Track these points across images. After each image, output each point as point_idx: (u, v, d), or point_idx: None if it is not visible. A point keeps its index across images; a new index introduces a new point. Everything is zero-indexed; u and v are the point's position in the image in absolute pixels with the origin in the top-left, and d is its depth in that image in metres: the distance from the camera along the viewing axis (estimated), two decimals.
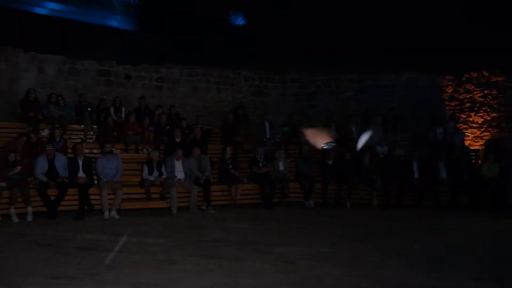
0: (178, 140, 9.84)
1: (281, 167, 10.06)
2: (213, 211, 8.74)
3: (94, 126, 10.55)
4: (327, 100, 13.80)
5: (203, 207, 8.89)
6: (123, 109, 11.11)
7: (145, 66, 12.73)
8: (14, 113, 10.74)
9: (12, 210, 7.44)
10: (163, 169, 8.93)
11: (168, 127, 10.67)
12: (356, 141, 10.65)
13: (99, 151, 9.54)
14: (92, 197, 8.24)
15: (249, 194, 9.82)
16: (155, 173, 8.84)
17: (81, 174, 8.23)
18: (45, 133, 9.70)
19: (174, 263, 4.92)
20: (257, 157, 10.06)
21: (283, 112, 13.00)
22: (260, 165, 9.96)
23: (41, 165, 7.97)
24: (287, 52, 13.42)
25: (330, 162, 10.14)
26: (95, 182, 8.50)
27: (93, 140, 10.35)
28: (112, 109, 10.94)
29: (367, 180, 9.77)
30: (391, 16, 13.02)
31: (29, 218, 7.52)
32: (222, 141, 11.28)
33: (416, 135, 12.08)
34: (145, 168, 8.78)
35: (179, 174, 8.95)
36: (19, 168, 7.86)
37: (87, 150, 9.19)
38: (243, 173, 9.94)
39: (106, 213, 7.91)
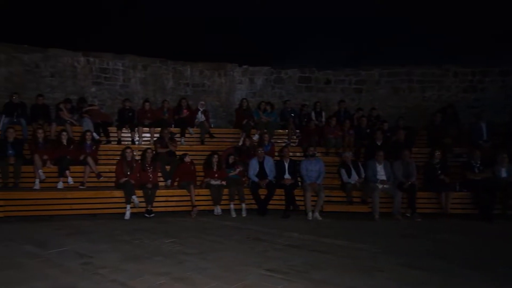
0: (379, 143, 9.48)
1: (504, 174, 8.57)
2: (419, 219, 8.04)
3: (297, 131, 11.11)
4: None
5: (407, 214, 8.29)
6: (323, 114, 11.40)
7: (344, 70, 12.79)
8: (231, 121, 12.24)
9: (232, 206, 8.43)
10: (361, 171, 8.77)
11: (368, 130, 10.41)
12: None
13: (302, 154, 9.98)
14: (296, 198, 8.64)
15: (462, 203, 8.68)
16: (354, 175, 8.72)
17: (287, 175, 8.75)
18: (255, 137, 10.69)
19: (382, 271, 4.66)
20: (472, 161, 8.84)
21: (504, 110, 11.10)
22: (476, 170, 8.71)
23: (254, 166, 8.81)
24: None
25: None
26: (299, 183, 8.89)
27: (296, 143, 10.90)
28: (313, 114, 11.34)
29: None
30: None
31: (244, 213, 8.39)
32: (428, 143, 10.35)
33: None
34: (343, 172, 8.76)
35: (381, 178, 8.58)
36: (240, 169, 8.89)
37: (291, 154, 9.70)
38: (453, 179, 8.87)
39: (310, 214, 8.17)
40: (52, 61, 11.32)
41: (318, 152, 9.86)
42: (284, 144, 10.41)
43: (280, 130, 11.27)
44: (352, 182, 8.65)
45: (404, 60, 12.61)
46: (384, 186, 8.45)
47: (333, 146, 10.19)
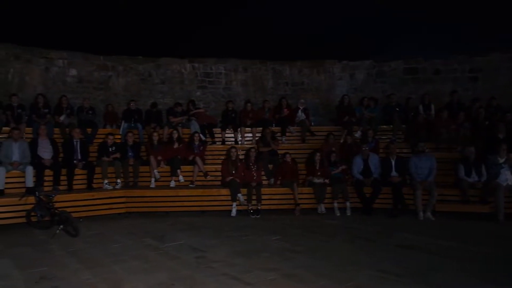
0: (501, 136, 8.48)
1: None
2: None
3: (402, 126, 10.48)
4: None
5: None
6: (432, 106, 10.57)
7: (456, 57, 11.71)
8: (331, 118, 11.98)
9: (336, 204, 8.25)
10: (483, 170, 7.89)
11: (487, 122, 9.39)
12: None
13: (409, 150, 9.38)
14: (405, 196, 8.13)
15: None
16: (473, 174, 7.89)
17: (393, 173, 8.29)
18: (358, 134, 10.33)
19: (509, 278, 4.13)
20: None
21: None
22: None
23: (358, 164, 8.52)
24: None
25: None
26: (408, 181, 8.36)
27: (402, 139, 10.28)
28: (420, 107, 10.58)
29: None
30: None
31: (348, 212, 8.15)
32: None
33: None
34: (461, 168, 7.98)
35: (504, 175, 7.66)
36: (343, 167, 8.68)
37: (397, 150, 9.16)
38: None
39: (421, 214, 7.64)
40: (163, 69, 12.25)
41: (427, 148, 9.17)
42: (388, 140, 9.89)
43: (384, 126, 10.73)
44: (469, 180, 7.86)
45: None
46: (509, 183, 7.54)
47: (445, 140, 9.38)
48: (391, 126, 10.55)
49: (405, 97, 11.26)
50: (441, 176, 8.53)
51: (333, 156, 8.88)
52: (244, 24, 15.79)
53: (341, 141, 10.14)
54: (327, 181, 8.54)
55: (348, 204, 8.24)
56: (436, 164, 8.12)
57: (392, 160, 8.45)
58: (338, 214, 8.10)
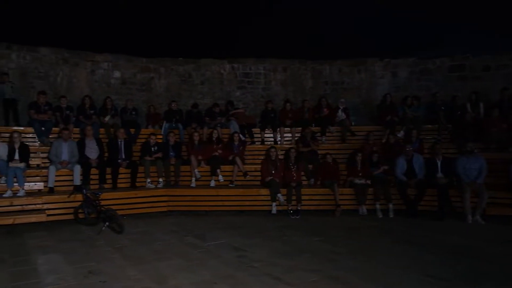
0: None
1: None
2: None
3: (448, 125, 10.06)
4: None
5: None
6: (481, 105, 10.08)
7: (509, 53, 11.10)
8: (372, 117, 11.69)
9: (378, 206, 8.03)
10: None
11: None
12: None
13: (456, 150, 8.99)
14: (452, 198, 7.80)
15: None
16: None
17: (439, 174, 7.98)
18: (401, 134, 10.02)
19: None
20: None
21: None
22: None
23: (401, 165, 8.26)
24: None
25: None
26: (455, 183, 8.01)
27: (448, 139, 9.88)
28: (468, 105, 10.12)
29: None
30: None
31: (391, 214, 7.91)
32: None
33: None
34: None
35: None
36: (384, 167, 8.46)
37: (443, 150, 8.80)
38: None
39: (469, 217, 7.31)
40: (203, 70, 12.41)
41: (476, 148, 8.75)
42: (434, 141, 9.52)
43: (428, 126, 10.35)
44: None
45: None
46: None
47: (495, 140, 8.92)
48: (436, 125, 10.16)
49: (450, 95, 10.80)
50: (491, 177, 8.10)
51: (375, 156, 8.67)
52: (283, 24, 15.74)
53: (383, 141, 9.88)
54: (368, 182, 8.34)
55: (390, 205, 8.00)
56: (486, 165, 7.74)
57: (437, 161, 8.14)
58: (381, 216, 7.89)
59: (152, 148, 9.03)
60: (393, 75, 12.20)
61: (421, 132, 9.89)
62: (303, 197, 8.21)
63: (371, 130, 10.14)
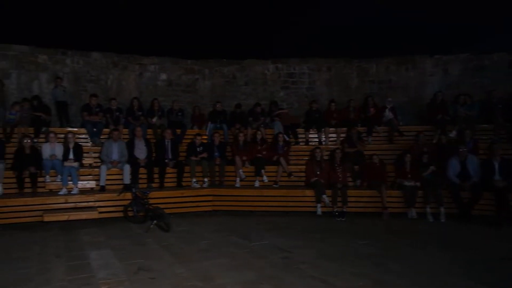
0: None
1: None
2: None
3: (506, 124, 9.48)
4: None
5: None
6: None
7: None
8: (420, 117, 11.22)
9: (428, 209, 7.70)
10: None
11: None
12: None
13: None
14: (511, 203, 7.33)
15: None
16: None
17: (497, 177, 7.52)
18: (453, 134, 9.55)
19: None
20: None
21: None
22: None
23: (454, 166, 7.88)
24: None
25: None
26: None
27: (505, 139, 9.29)
28: None
29: None
30: None
31: (442, 218, 7.54)
32: None
33: None
34: None
35: None
36: (432, 168, 8.10)
37: (501, 151, 8.29)
38: None
39: None
40: (246, 71, 12.47)
41: None
42: (490, 141, 8.99)
43: (484, 125, 9.80)
44: None
45: None
46: None
47: None
48: (492, 125, 9.60)
49: (508, 93, 10.17)
50: None
51: (425, 157, 8.31)
52: (327, 22, 15.51)
53: (434, 141, 9.47)
54: (418, 184, 8.01)
55: (442, 209, 7.63)
56: None
57: (495, 163, 7.67)
58: (431, 220, 7.55)
59: (198, 148, 9.18)
60: (445, 72, 11.66)
61: (475, 132, 9.38)
62: (349, 199, 8.03)
63: (420, 130, 9.75)
